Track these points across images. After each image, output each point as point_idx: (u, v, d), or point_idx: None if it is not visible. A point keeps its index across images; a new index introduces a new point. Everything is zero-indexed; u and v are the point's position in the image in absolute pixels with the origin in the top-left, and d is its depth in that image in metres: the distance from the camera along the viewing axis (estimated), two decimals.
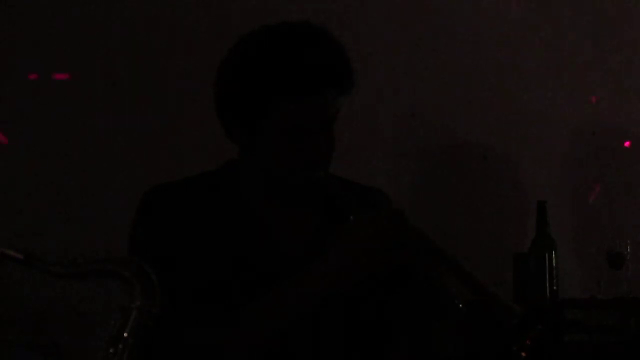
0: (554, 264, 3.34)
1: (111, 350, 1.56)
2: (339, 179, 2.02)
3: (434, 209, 2.99)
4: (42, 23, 3.07)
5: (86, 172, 3.02)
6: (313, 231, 1.97)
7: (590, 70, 4.02)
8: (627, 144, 4.06)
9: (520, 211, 3.54)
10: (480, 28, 3.72)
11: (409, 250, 1.90)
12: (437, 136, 3.16)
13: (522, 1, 3.83)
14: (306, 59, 1.89)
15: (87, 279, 1.63)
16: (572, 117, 3.90)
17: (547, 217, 3.35)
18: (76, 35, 3.13)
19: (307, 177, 1.93)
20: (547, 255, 3.31)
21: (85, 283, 1.67)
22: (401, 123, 3.10)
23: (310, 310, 1.91)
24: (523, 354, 2.05)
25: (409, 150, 3.28)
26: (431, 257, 1.96)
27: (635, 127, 4.09)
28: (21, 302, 2.55)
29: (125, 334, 1.57)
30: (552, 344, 3.19)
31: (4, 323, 2.38)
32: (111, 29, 3.18)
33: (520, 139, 3.34)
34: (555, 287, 3.34)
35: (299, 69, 1.87)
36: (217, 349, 1.90)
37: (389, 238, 1.89)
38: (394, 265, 1.92)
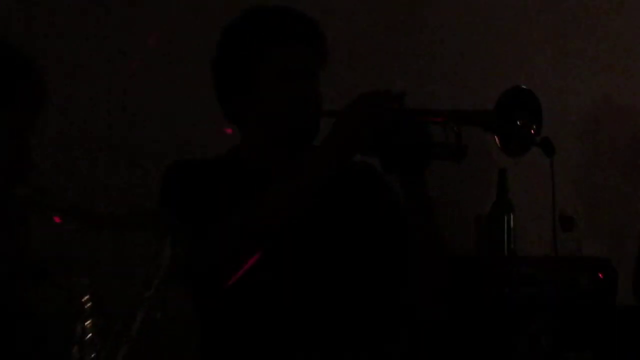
0: (511, 225, 3.46)
1: (145, 295, 1.66)
2: None
3: None
4: None
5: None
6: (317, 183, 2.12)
7: (551, 51, 4.07)
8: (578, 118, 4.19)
9: (483, 178, 3.63)
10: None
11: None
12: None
13: None
14: (289, 18, 2.23)
15: (127, 230, 1.77)
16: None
17: (507, 184, 3.49)
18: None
19: (302, 118, 2.18)
20: (505, 217, 3.45)
21: (125, 234, 1.86)
22: None
23: (327, 174, 2.07)
24: None
25: None
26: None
27: (580, 101, 4.11)
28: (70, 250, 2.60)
29: (156, 280, 1.67)
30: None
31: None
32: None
33: None
34: (512, 246, 3.48)
35: (284, 23, 2.21)
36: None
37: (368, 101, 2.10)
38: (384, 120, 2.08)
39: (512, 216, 3.47)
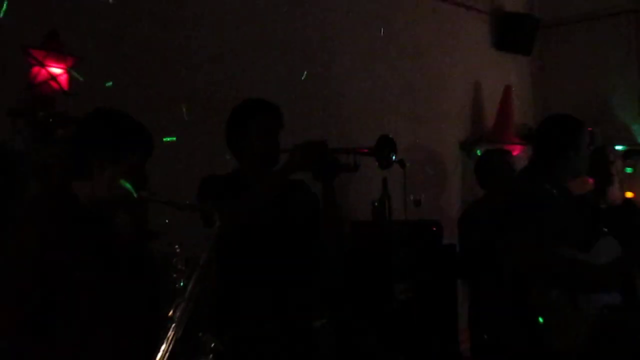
0: (390, 206, 3.51)
1: (208, 245, 1.64)
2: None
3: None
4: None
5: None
6: (277, 187, 2.21)
7: (399, 116, 3.96)
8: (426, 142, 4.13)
9: (375, 182, 3.52)
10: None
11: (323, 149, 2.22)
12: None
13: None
14: (260, 105, 2.29)
15: (194, 212, 1.77)
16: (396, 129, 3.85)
17: (387, 185, 3.53)
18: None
19: (268, 154, 2.23)
20: (386, 202, 3.55)
21: (194, 214, 1.76)
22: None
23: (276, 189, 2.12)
24: None
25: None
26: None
27: (413, 142, 3.98)
28: (167, 223, 2.36)
29: (213, 236, 1.66)
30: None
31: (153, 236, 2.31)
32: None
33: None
34: (389, 216, 3.53)
35: (258, 108, 2.28)
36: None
37: (312, 145, 2.20)
38: (320, 156, 2.14)
39: (389, 201, 3.56)
